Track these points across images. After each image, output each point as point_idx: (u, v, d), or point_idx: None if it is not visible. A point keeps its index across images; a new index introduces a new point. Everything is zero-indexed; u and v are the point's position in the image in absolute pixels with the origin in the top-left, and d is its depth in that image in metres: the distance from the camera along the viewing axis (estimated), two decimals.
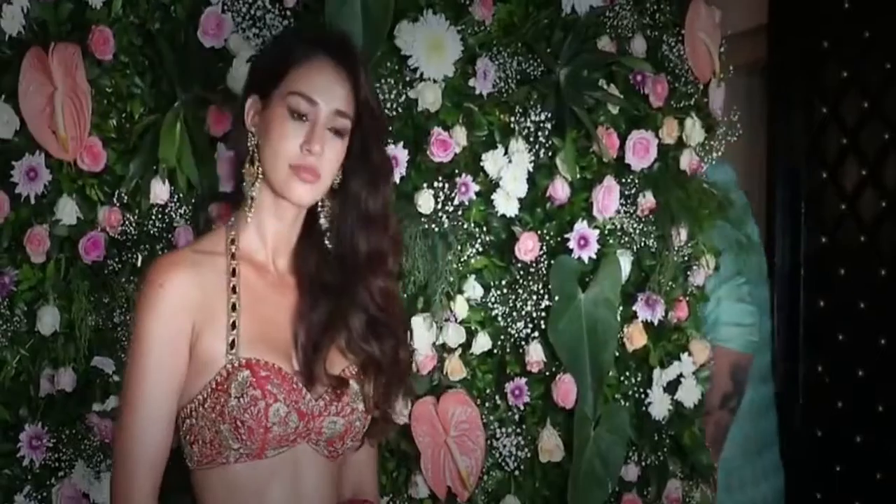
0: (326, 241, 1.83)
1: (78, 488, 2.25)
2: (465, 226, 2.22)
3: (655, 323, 2.39)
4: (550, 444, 2.28)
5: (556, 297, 2.26)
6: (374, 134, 1.79)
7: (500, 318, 2.26)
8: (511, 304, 2.25)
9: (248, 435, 1.66)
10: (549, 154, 2.27)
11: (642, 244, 2.37)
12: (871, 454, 3.57)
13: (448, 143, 2.18)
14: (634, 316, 2.38)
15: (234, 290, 1.72)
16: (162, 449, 1.69)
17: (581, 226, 2.27)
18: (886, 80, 3.57)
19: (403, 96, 2.18)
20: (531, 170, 2.25)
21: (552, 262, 2.27)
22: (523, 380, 2.27)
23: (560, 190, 2.26)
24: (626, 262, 2.35)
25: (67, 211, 2.23)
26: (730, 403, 2.75)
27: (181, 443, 1.74)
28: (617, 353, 2.36)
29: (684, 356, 2.45)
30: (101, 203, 2.26)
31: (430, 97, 2.18)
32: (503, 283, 2.26)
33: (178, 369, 1.69)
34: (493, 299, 2.25)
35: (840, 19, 3.68)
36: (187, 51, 2.21)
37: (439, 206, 2.19)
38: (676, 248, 2.42)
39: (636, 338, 2.37)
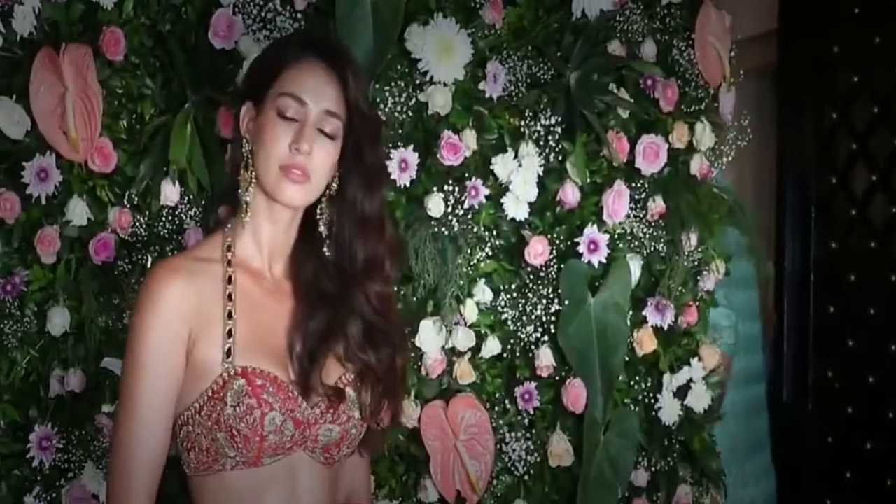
0: (325, 249, 1.80)
1: (87, 490, 2.22)
2: (475, 229, 2.20)
3: (665, 328, 2.37)
4: (560, 449, 2.26)
5: (566, 302, 2.24)
6: (367, 137, 1.77)
7: (509, 322, 2.23)
8: (521, 308, 2.23)
9: (244, 443, 1.64)
10: (560, 158, 2.24)
11: (652, 249, 2.34)
12: (881, 460, 3.54)
13: (458, 147, 2.16)
14: (644, 321, 2.35)
15: (230, 297, 1.71)
16: (158, 454, 1.67)
17: (591, 230, 2.25)
18: None
19: (413, 99, 2.16)
20: (541, 174, 2.23)
21: (562, 266, 2.24)
22: (533, 384, 2.24)
23: (570, 194, 2.24)
24: (635, 267, 2.32)
25: (78, 212, 2.21)
26: None
27: (178, 450, 1.72)
28: (627, 358, 2.33)
29: (694, 361, 2.42)
30: (112, 204, 2.24)
31: (440, 100, 2.15)
32: (513, 286, 2.23)
33: (175, 375, 1.67)
34: (502, 303, 2.22)
35: (850, 24, 3.66)
36: (198, 52, 2.19)
37: (449, 210, 2.16)
38: (686, 253, 2.39)
39: (646, 342, 2.35)
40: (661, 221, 2.35)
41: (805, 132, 3.81)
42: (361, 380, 1.78)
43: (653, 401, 2.37)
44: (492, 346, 2.22)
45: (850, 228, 3.69)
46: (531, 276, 2.23)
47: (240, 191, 1.75)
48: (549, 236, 2.24)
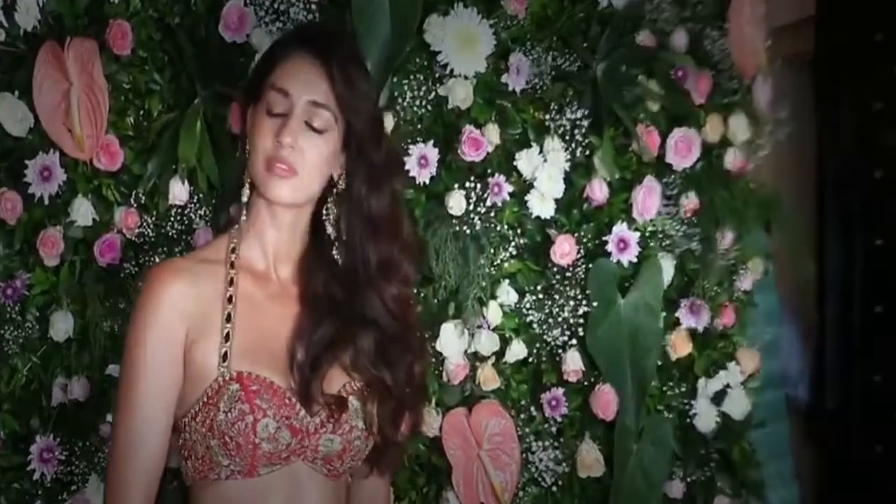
0: (335, 252, 1.86)
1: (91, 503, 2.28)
2: (498, 228, 2.27)
3: (700, 330, 2.44)
4: (590, 459, 2.32)
5: (595, 303, 2.31)
6: (368, 132, 1.82)
7: (535, 325, 2.30)
8: (547, 311, 2.30)
9: (236, 451, 1.71)
10: (587, 153, 2.32)
11: (685, 247, 2.41)
12: None
13: (480, 142, 2.23)
14: (678, 323, 2.42)
15: (230, 300, 1.77)
16: (156, 459, 1.74)
17: (620, 228, 2.32)
18: None
19: (433, 93, 2.24)
20: (567, 169, 2.30)
21: (590, 266, 2.31)
22: (560, 390, 2.31)
23: (598, 190, 2.31)
24: (668, 266, 2.39)
25: (82, 212, 2.29)
26: None
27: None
28: (660, 362, 2.40)
29: (731, 365, 2.49)
30: (118, 204, 2.31)
31: (461, 94, 2.23)
32: (538, 288, 2.30)
33: (173, 378, 1.74)
34: (527, 305, 2.30)
35: (893, 10, 3.68)
36: (208, 46, 2.27)
37: (471, 208, 2.23)
38: (721, 251, 2.46)
39: (680, 346, 2.42)
40: (694, 218, 2.42)
41: (846, 124, 3.84)
42: (369, 391, 1.82)
43: (688, 407, 2.43)
44: (517, 350, 2.29)
45: None
46: (558, 277, 2.30)
47: (242, 192, 1.83)
48: (576, 235, 2.30)
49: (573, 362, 2.29)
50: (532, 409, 2.31)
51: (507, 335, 2.28)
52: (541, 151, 2.28)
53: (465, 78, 2.23)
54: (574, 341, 2.30)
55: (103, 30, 2.27)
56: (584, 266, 2.30)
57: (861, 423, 3.76)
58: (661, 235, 2.38)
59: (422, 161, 2.21)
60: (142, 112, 2.32)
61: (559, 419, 2.31)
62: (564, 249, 2.28)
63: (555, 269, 2.30)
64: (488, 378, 2.27)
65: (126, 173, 2.32)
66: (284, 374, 1.76)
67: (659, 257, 2.37)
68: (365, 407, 1.81)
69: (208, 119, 2.27)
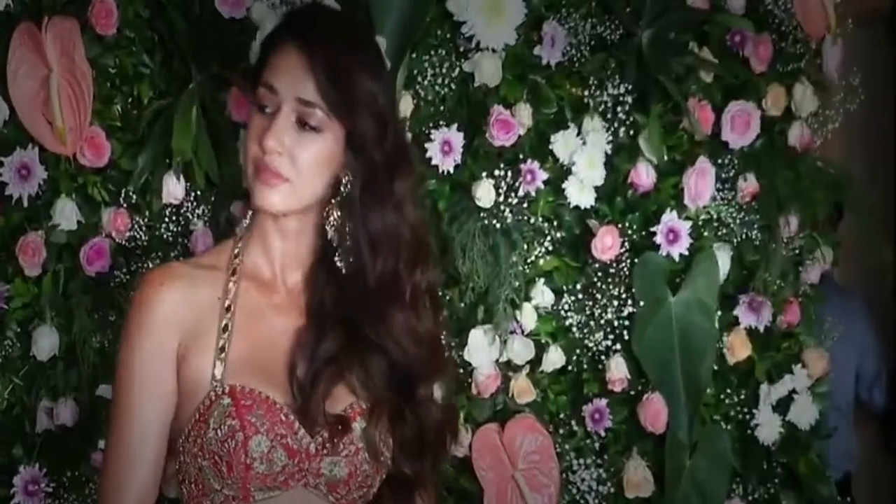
0: (337, 261, 1.91)
1: None
2: (532, 220, 2.35)
3: (761, 329, 2.53)
4: (637, 477, 2.41)
5: (642, 302, 2.40)
6: (368, 130, 1.86)
7: (574, 329, 2.39)
8: (588, 312, 2.39)
9: (227, 472, 1.79)
10: (631, 133, 2.40)
11: (743, 236, 2.50)
12: None
13: (510, 124, 2.31)
14: (736, 322, 2.51)
15: (228, 309, 1.86)
16: (151, 482, 1.83)
17: (670, 217, 2.40)
18: None
19: (457, 70, 2.31)
20: (609, 152, 2.38)
21: (636, 260, 2.40)
22: (604, 401, 2.40)
23: (644, 175, 2.39)
24: (724, 259, 2.47)
25: (66, 214, 2.36)
26: None
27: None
28: (715, 367, 2.49)
29: (797, 368, 2.59)
30: (106, 204, 2.39)
31: (488, 70, 2.30)
32: (578, 287, 2.39)
33: (166, 395, 1.83)
34: (566, 306, 2.38)
35: None
36: (203, 22, 2.35)
37: (501, 199, 2.32)
38: (785, 240, 2.54)
39: (738, 348, 2.50)
40: (753, 203, 2.50)
41: None
42: (376, 415, 1.88)
43: (748, 417, 2.52)
44: (554, 358, 2.38)
45: None
46: (599, 274, 2.39)
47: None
48: (619, 226, 2.39)
49: (618, 369, 2.38)
50: (572, 423, 2.40)
51: (544, 341, 2.37)
52: (579, 133, 2.35)
53: (493, 51, 2.30)
54: (618, 346, 2.39)
55: (85, 7, 2.34)
56: (628, 261, 2.39)
57: None
58: (716, 224, 2.46)
59: (445, 147, 2.28)
60: (130, 99, 2.39)
61: (603, 434, 2.40)
62: (607, 243, 2.36)
63: (596, 266, 2.38)
64: (523, 390, 2.36)
65: (114, 169, 2.39)
66: (284, 390, 1.83)
67: (714, 249, 2.45)
68: (368, 431, 1.85)
69: (205, 106, 2.35)
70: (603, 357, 2.39)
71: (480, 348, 2.33)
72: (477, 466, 2.34)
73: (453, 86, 2.31)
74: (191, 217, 2.37)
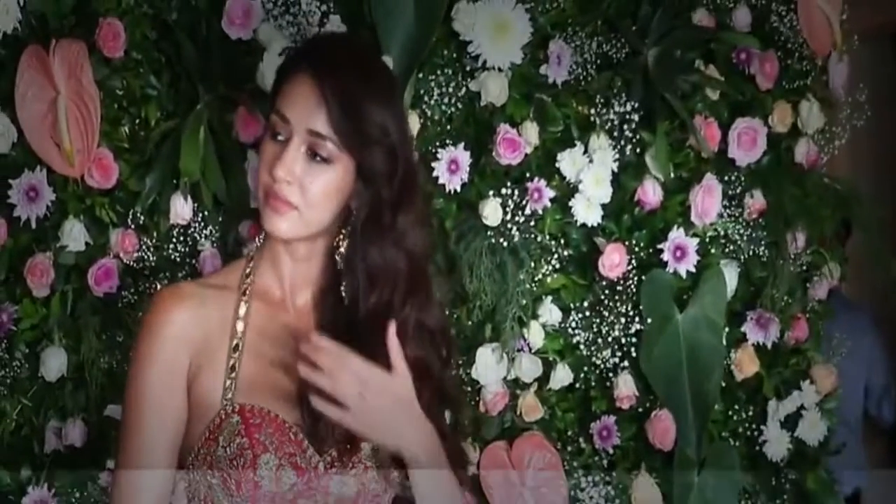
0: (342, 289, 1.94)
1: None
2: (539, 238, 2.39)
3: (769, 346, 2.58)
4: (646, 494, 2.46)
5: (649, 320, 2.45)
6: (378, 164, 1.89)
7: (582, 347, 2.44)
8: (595, 330, 2.44)
9: (236, 489, 1.84)
10: (637, 151, 2.44)
11: (751, 253, 2.55)
12: None
13: (517, 143, 2.35)
14: (743, 338, 2.56)
15: (239, 328, 1.91)
16: (160, 496, 1.87)
17: (677, 234, 2.45)
18: None
19: (464, 89, 2.36)
20: (616, 170, 2.42)
21: (643, 277, 2.44)
22: (612, 418, 2.45)
23: (651, 192, 2.44)
24: (731, 275, 2.52)
25: (74, 235, 2.40)
26: None
27: None
28: (723, 383, 2.54)
29: (805, 384, 2.64)
30: (114, 225, 2.43)
31: (494, 89, 2.35)
32: (585, 304, 2.44)
33: (177, 414, 1.88)
34: (573, 324, 2.43)
35: None
36: (210, 44, 2.39)
37: (508, 217, 2.36)
38: (793, 256, 2.59)
39: (746, 364, 2.55)
40: (760, 220, 2.55)
41: None
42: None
43: (756, 433, 2.57)
44: (562, 376, 2.42)
45: None
46: (607, 292, 2.44)
47: None
48: (626, 243, 2.43)
49: (626, 387, 2.43)
50: (580, 440, 2.45)
51: (551, 358, 2.42)
52: (586, 151, 2.40)
53: (499, 70, 2.34)
54: (626, 363, 2.44)
55: (92, 30, 2.38)
56: (636, 278, 2.43)
57: None
58: (723, 241, 2.51)
59: (452, 166, 2.33)
60: (138, 121, 2.44)
61: (611, 451, 2.45)
62: (614, 260, 2.41)
63: (603, 283, 2.43)
64: (531, 407, 2.40)
65: (122, 190, 2.43)
66: (294, 408, 1.87)
67: (721, 265, 2.50)
68: (380, 451, 1.89)
69: (212, 127, 2.39)
70: (611, 374, 2.44)
71: (488, 366, 2.37)
72: (485, 484, 2.38)
73: (460, 105, 2.36)
74: (198, 237, 2.41)
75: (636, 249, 2.44)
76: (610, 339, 2.44)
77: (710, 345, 2.49)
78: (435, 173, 2.32)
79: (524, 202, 2.36)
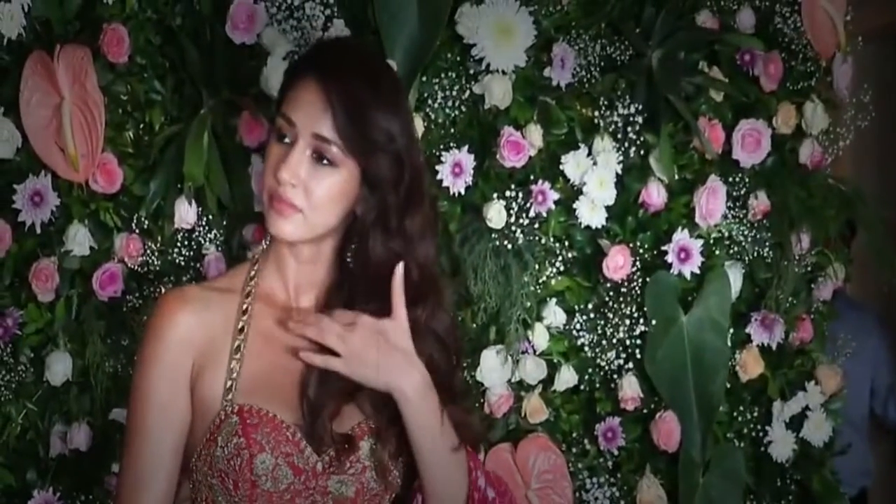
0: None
1: None
2: (543, 241, 2.43)
3: (774, 347, 2.62)
4: (651, 495, 2.50)
5: (654, 321, 2.48)
6: (383, 170, 1.92)
7: (586, 348, 2.47)
8: (600, 331, 2.47)
9: (234, 489, 1.88)
10: (641, 153, 2.48)
11: (755, 254, 2.58)
12: None
13: (521, 145, 2.39)
14: (748, 339, 2.60)
15: (241, 330, 1.95)
16: (164, 497, 1.91)
17: (681, 236, 2.48)
18: None
19: (467, 92, 2.40)
20: (620, 172, 2.46)
21: (647, 279, 2.48)
22: (616, 419, 2.48)
23: (655, 194, 2.47)
24: (736, 277, 2.56)
25: (79, 240, 2.44)
26: None
27: None
28: (728, 385, 2.58)
29: (810, 385, 2.68)
30: (118, 230, 2.47)
31: (498, 92, 2.38)
32: (590, 306, 2.47)
33: (180, 415, 1.92)
34: (578, 326, 2.47)
35: None
36: (214, 49, 2.42)
37: (512, 220, 2.39)
38: (797, 257, 2.63)
39: (751, 365, 2.59)
40: (765, 221, 2.59)
41: None
42: (384, 436, 1.95)
43: (761, 434, 2.61)
44: (566, 377, 2.46)
45: None
46: (611, 293, 2.48)
47: None
48: (631, 245, 2.47)
49: (630, 388, 2.47)
50: (585, 441, 2.49)
51: (556, 360, 2.45)
52: (590, 153, 2.43)
53: (503, 73, 2.38)
54: (631, 365, 2.48)
55: (97, 35, 2.41)
56: (640, 280, 2.47)
57: None
58: (727, 242, 2.55)
59: (456, 169, 2.36)
60: (142, 126, 2.47)
61: (616, 452, 2.49)
62: (618, 262, 2.44)
63: (608, 285, 2.47)
64: (535, 409, 2.44)
65: (126, 195, 2.47)
66: (293, 409, 1.92)
67: (725, 267, 2.54)
68: (376, 452, 1.94)
69: (216, 131, 2.43)
70: (615, 376, 2.47)
71: (493, 369, 2.41)
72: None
73: (464, 108, 2.39)
74: (203, 241, 2.44)
75: (640, 251, 2.48)
76: (614, 340, 2.47)
77: (715, 346, 2.53)
78: (439, 176, 2.35)
79: (528, 205, 2.40)
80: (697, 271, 2.49)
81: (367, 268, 1.95)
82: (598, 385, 2.48)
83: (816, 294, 2.71)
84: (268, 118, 2.27)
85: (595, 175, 2.42)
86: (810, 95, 2.63)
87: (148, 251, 2.45)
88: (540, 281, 2.43)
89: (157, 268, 2.45)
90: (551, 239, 2.44)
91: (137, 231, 2.46)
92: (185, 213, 2.43)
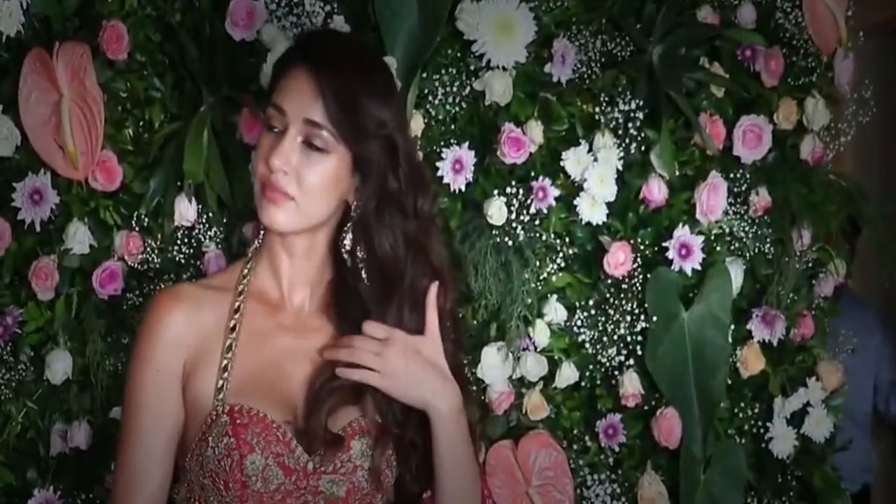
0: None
1: None
2: (544, 237, 2.45)
3: (775, 343, 2.63)
4: (652, 492, 2.52)
5: (655, 318, 2.50)
6: (377, 155, 1.95)
7: (587, 345, 2.49)
8: (601, 328, 2.49)
9: (225, 489, 1.91)
10: (642, 149, 2.50)
11: (756, 250, 2.60)
12: None
13: (521, 142, 2.41)
14: (749, 336, 2.62)
15: (233, 329, 1.98)
16: (156, 495, 1.95)
17: (682, 232, 2.50)
18: None
19: (468, 88, 2.42)
20: (621, 168, 2.48)
21: (648, 276, 2.50)
22: (617, 416, 2.50)
23: (656, 191, 2.49)
24: (737, 273, 2.58)
25: (78, 238, 2.46)
26: None
27: None
28: (729, 381, 2.60)
29: (811, 381, 2.70)
30: (118, 227, 2.49)
31: (499, 88, 2.40)
32: (590, 303, 2.49)
33: (171, 412, 1.96)
34: (578, 323, 2.49)
35: None
36: (214, 46, 2.44)
37: (513, 216, 2.42)
38: (798, 253, 2.65)
39: (752, 362, 2.61)
40: (766, 217, 2.61)
41: None
42: (382, 438, 1.98)
43: (762, 430, 2.63)
44: (567, 374, 2.48)
45: None
46: (612, 290, 2.50)
47: None
48: (631, 242, 2.49)
49: (631, 385, 2.49)
50: (586, 438, 2.51)
51: (557, 357, 2.47)
52: (590, 149, 2.45)
53: (504, 69, 2.40)
54: (632, 361, 2.50)
55: (96, 32, 2.43)
56: (641, 276, 2.49)
57: None
58: (728, 238, 2.57)
59: (456, 165, 2.39)
60: (142, 123, 2.49)
61: (617, 449, 2.51)
62: (619, 259, 2.47)
63: (609, 282, 2.49)
64: (536, 406, 2.46)
65: (126, 193, 2.49)
66: (285, 408, 1.95)
67: (727, 263, 2.56)
68: (378, 450, 1.97)
69: (216, 128, 2.45)
70: (616, 372, 2.50)
71: (493, 365, 2.43)
72: (491, 483, 2.43)
73: (464, 104, 2.41)
74: (203, 239, 2.46)
75: (641, 248, 2.50)
76: (615, 337, 2.49)
77: (716, 342, 2.55)
78: (439, 173, 2.37)
79: (529, 201, 2.42)
80: (698, 267, 2.51)
81: (375, 264, 1.98)
82: (598, 382, 2.50)
83: (818, 290, 2.73)
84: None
85: (596, 171, 2.44)
86: (811, 91, 2.65)
87: (148, 249, 2.47)
88: (541, 277, 2.45)
89: (158, 265, 2.47)
90: (552, 235, 2.46)
91: (137, 229, 2.48)
92: (185, 210, 2.45)
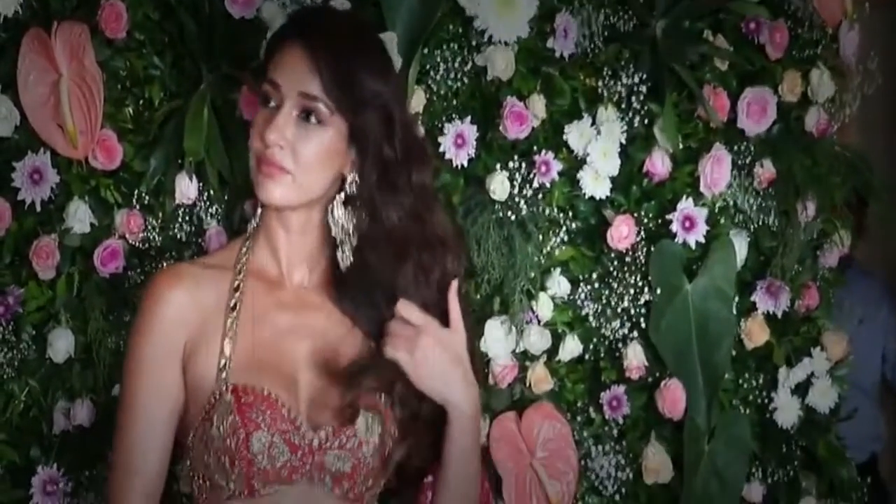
0: (340, 259, 2.02)
1: None
2: (547, 212, 2.47)
3: (779, 314, 2.65)
4: (656, 463, 2.55)
5: (658, 290, 2.52)
6: (374, 127, 1.96)
7: (591, 318, 2.51)
8: (604, 301, 2.51)
9: (230, 467, 1.92)
10: (646, 122, 2.50)
11: (760, 222, 2.62)
12: None
13: (524, 116, 2.42)
14: (753, 307, 2.64)
15: (233, 308, 1.99)
16: (157, 473, 1.98)
17: (686, 204, 2.51)
18: None
19: (469, 64, 2.42)
20: (624, 142, 2.49)
21: (652, 248, 2.51)
22: (621, 388, 2.53)
23: (659, 164, 2.50)
24: (741, 245, 2.59)
25: (79, 217, 2.48)
26: None
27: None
28: (733, 353, 2.62)
29: (816, 352, 2.71)
30: (118, 206, 2.51)
31: (501, 63, 2.41)
32: (594, 276, 2.51)
33: (172, 393, 1.98)
34: (582, 296, 2.50)
35: None
36: (213, 23, 2.45)
37: (516, 191, 2.43)
38: (803, 225, 2.66)
39: (756, 333, 2.63)
40: (770, 189, 2.62)
41: None
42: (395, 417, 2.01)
43: (767, 401, 2.66)
44: (571, 347, 2.50)
45: None
46: (615, 263, 2.51)
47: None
48: (635, 215, 2.50)
49: (635, 357, 2.51)
50: (590, 410, 2.53)
51: (560, 330, 2.49)
52: (593, 123, 2.46)
53: (506, 44, 2.41)
54: (635, 334, 2.52)
55: (94, 11, 2.44)
56: (644, 249, 2.51)
57: None
58: (732, 210, 2.58)
59: (458, 140, 2.39)
60: (141, 101, 2.50)
61: (621, 420, 2.53)
62: (622, 232, 2.48)
63: (612, 255, 2.50)
64: (540, 379, 2.48)
65: (126, 171, 2.50)
66: (289, 386, 1.97)
67: (731, 235, 2.57)
68: (385, 425, 1.99)
69: (216, 106, 2.46)
70: (620, 345, 2.52)
71: (497, 339, 2.45)
72: (495, 456, 2.46)
73: (466, 80, 2.42)
74: (204, 217, 2.48)
75: (645, 221, 2.51)
76: (619, 310, 2.51)
77: (720, 315, 2.57)
78: (441, 148, 2.38)
79: (532, 175, 2.43)
80: (702, 240, 2.52)
81: (382, 238, 1.99)
82: (602, 354, 2.53)
83: (822, 261, 2.74)
84: None
85: (599, 145, 2.45)
86: (816, 63, 2.65)
87: (149, 227, 2.49)
88: (544, 251, 2.47)
89: (159, 244, 2.49)
90: (555, 209, 2.47)
91: (138, 207, 2.50)
92: (186, 188, 2.47)
